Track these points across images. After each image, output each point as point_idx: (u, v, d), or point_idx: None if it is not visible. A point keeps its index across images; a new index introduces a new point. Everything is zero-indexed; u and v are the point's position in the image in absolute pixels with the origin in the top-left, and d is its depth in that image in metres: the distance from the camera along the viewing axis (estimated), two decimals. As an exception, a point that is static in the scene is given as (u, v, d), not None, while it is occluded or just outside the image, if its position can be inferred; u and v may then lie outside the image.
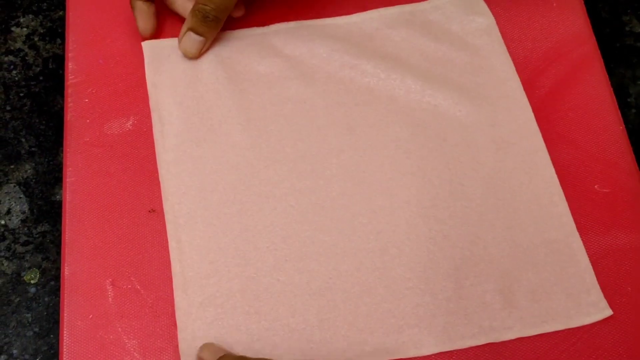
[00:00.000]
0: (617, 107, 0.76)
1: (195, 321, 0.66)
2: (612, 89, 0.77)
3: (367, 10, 0.81)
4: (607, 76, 0.77)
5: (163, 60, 0.77)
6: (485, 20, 0.80)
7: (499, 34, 0.79)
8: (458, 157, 0.73)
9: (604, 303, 0.67)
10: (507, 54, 0.78)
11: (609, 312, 0.66)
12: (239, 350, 0.65)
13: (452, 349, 0.65)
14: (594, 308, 0.66)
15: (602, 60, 0.78)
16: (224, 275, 0.68)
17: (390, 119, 0.75)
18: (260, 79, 0.76)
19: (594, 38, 0.79)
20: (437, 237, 0.69)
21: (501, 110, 0.75)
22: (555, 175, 0.72)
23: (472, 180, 0.72)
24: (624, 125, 0.75)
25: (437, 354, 0.65)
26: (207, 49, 0.77)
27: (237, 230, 0.70)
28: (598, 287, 0.68)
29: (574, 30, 0.80)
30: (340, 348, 0.65)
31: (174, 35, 0.79)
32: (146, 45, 0.78)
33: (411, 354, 0.65)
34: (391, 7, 0.80)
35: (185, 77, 0.76)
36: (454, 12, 0.80)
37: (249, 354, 0.65)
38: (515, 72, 0.77)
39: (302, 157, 0.73)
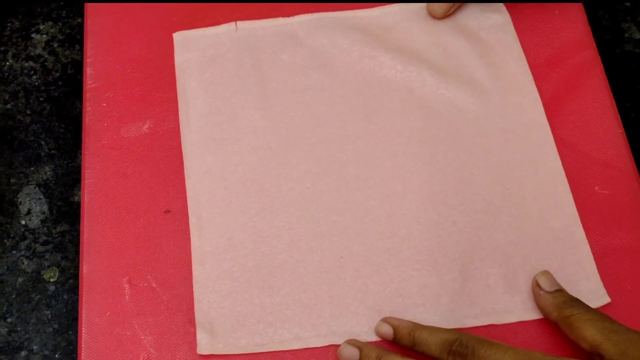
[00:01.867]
0: (617, 111, 0.77)
1: (212, 293, 0.68)
2: (612, 93, 0.78)
3: (387, 4, 0.83)
4: (607, 81, 0.78)
5: (192, 48, 0.80)
6: (501, 17, 0.81)
7: (513, 30, 0.80)
8: (469, 147, 0.75)
9: (602, 291, 0.68)
10: (521, 50, 0.79)
11: (607, 299, 0.68)
12: (252, 322, 0.67)
13: (455, 328, 0.67)
14: (593, 295, 0.68)
15: (602, 65, 0.79)
16: (241, 251, 0.70)
17: (406, 110, 0.77)
18: (284, 67, 0.79)
19: (595, 44, 0.80)
20: (446, 222, 0.71)
21: (512, 104, 0.77)
22: (561, 168, 0.74)
23: (481, 169, 0.74)
24: (623, 129, 0.76)
25: None
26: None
27: (255, 209, 0.72)
28: (598, 275, 0.69)
29: (575, 36, 0.81)
30: (349, 323, 0.67)
31: (204, 25, 0.81)
32: (177, 35, 0.80)
33: None
34: (411, 3, 0.82)
35: (212, 63, 0.79)
36: (471, 9, 0.82)
37: (261, 326, 0.67)
38: (528, 68, 0.78)
39: (320, 142, 0.75)
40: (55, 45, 0.86)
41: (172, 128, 0.76)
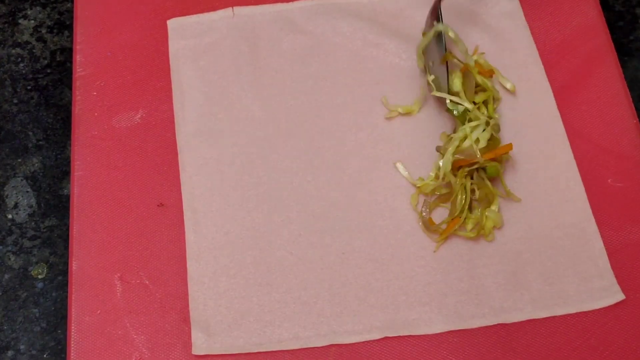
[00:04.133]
0: (631, 100, 0.75)
1: (207, 291, 0.67)
2: (625, 82, 0.76)
3: None
4: (621, 69, 0.77)
5: (187, 35, 0.79)
6: (510, 3, 0.80)
7: (523, 17, 0.79)
8: None
9: (616, 287, 0.67)
10: (531, 38, 0.78)
11: (621, 296, 0.67)
12: (249, 321, 0.66)
13: (462, 328, 0.66)
14: (606, 292, 0.67)
15: (615, 53, 0.78)
16: (238, 246, 0.69)
17: (411, 99, 0.75)
18: (282, 55, 0.78)
19: (607, 31, 0.79)
20: None
21: (522, 94, 0.75)
22: (573, 160, 0.72)
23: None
24: (637, 119, 0.75)
25: (447, 332, 0.66)
26: None
27: (253, 203, 0.71)
28: (611, 271, 0.68)
29: (587, 23, 0.79)
30: (351, 322, 0.66)
31: (199, 11, 0.80)
32: (171, 22, 0.79)
33: (421, 332, 0.66)
34: None
35: (207, 51, 0.78)
36: None
37: (259, 325, 0.66)
38: (538, 56, 0.77)
39: (320, 133, 0.74)
40: (44, 31, 0.85)
41: (165, 118, 0.75)
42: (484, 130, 0.70)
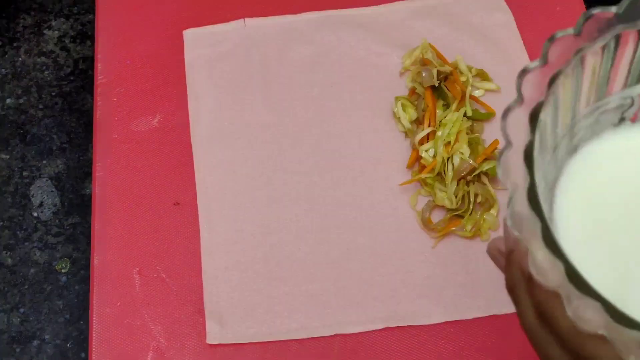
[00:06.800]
0: (620, 108, 0.77)
1: (221, 284, 0.69)
2: (614, 91, 0.78)
3: (393, 1, 0.84)
4: (610, 78, 0.78)
5: (201, 45, 0.81)
6: (504, 15, 0.83)
7: (516, 29, 0.82)
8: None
9: None
10: (524, 48, 0.80)
11: None
12: (260, 312, 0.68)
13: (458, 319, 0.68)
14: None
15: (604, 63, 0.79)
16: (249, 242, 0.71)
17: None
18: (291, 64, 0.80)
19: (597, 41, 0.80)
20: None
21: None
22: None
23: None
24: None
25: (445, 323, 0.68)
26: None
27: (264, 202, 0.73)
28: None
29: (578, 33, 0.81)
30: (355, 313, 0.68)
31: (213, 22, 0.82)
32: (187, 32, 0.82)
33: (420, 322, 0.68)
34: (416, 0, 0.84)
35: (221, 60, 0.80)
36: (475, 7, 0.83)
37: (269, 316, 0.68)
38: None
39: (326, 136, 0.76)
40: (67, 41, 0.86)
41: (181, 122, 0.77)
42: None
